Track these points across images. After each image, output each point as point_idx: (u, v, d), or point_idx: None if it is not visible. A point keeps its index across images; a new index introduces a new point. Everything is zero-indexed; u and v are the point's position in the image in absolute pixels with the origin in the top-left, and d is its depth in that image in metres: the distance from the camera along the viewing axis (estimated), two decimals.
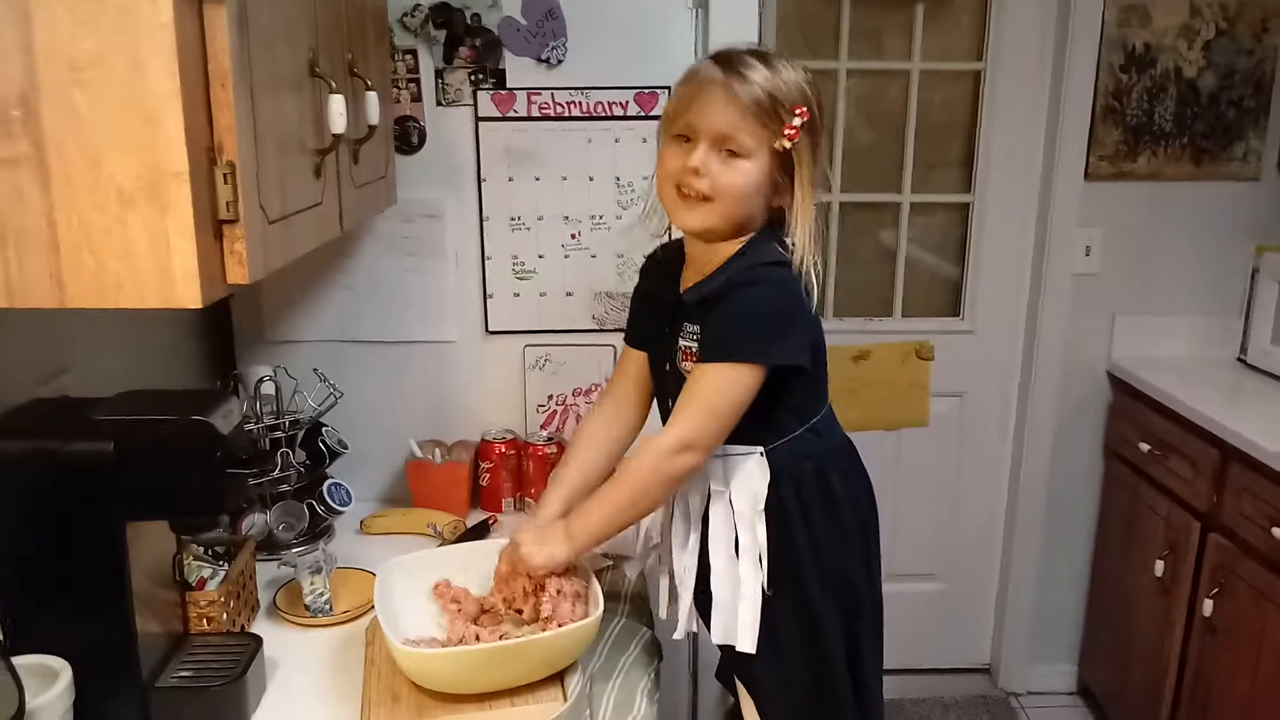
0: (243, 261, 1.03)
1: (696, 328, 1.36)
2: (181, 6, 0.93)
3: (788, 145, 1.29)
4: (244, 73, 1.02)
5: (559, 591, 1.37)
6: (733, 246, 1.36)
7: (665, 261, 1.49)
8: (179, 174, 0.95)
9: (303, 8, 1.21)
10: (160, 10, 0.91)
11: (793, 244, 1.33)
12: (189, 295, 0.98)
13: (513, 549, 1.40)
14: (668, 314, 1.42)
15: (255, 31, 1.05)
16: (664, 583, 1.54)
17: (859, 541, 1.46)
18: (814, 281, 1.34)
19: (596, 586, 1.38)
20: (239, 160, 1.01)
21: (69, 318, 1.43)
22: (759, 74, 1.28)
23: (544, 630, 1.34)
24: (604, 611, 1.41)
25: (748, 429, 1.35)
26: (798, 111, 1.29)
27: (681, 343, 1.38)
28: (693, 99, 1.31)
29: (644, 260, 1.58)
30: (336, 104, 1.24)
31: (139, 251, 0.96)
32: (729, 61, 1.31)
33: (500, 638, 1.35)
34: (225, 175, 1.00)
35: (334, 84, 1.25)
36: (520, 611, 1.40)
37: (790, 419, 1.41)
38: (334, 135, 1.26)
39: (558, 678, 1.35)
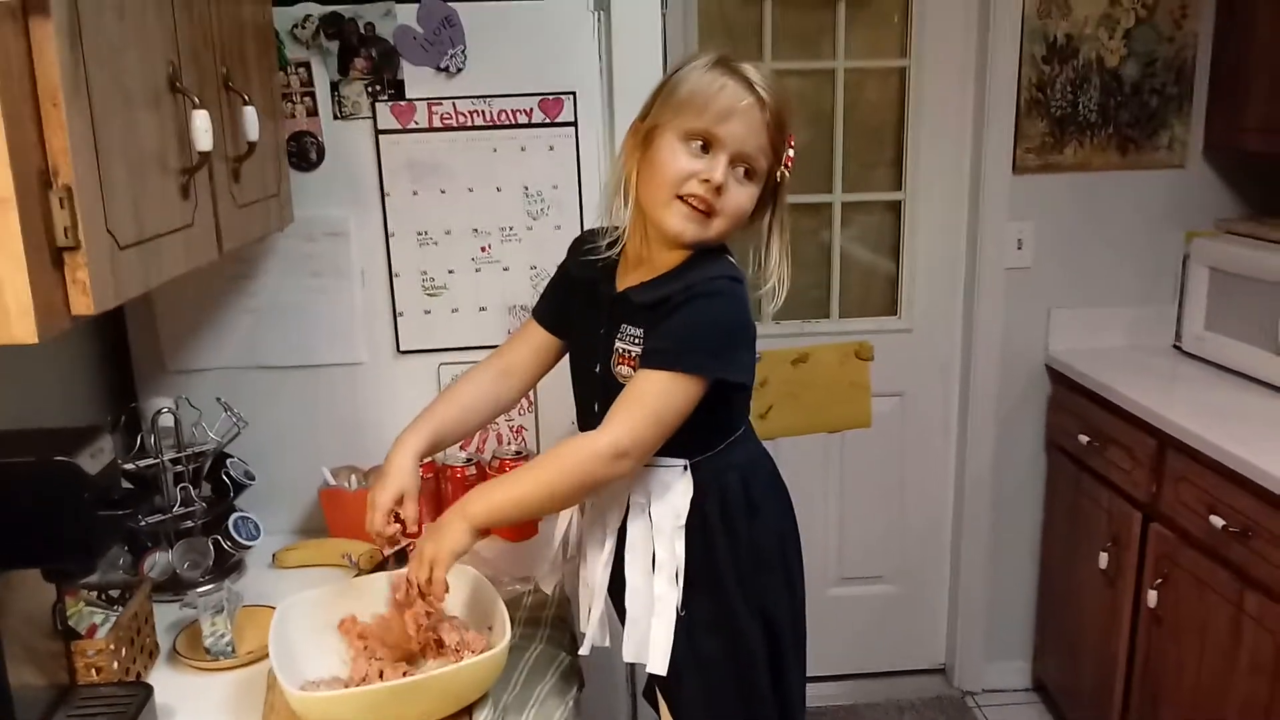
0: (87, 290, 0.96)
1: (639, 331, 1.31)
2: (0, 20, 0.86)
3: (787, 173, 1.31)
4: (79, 90, 0.95)
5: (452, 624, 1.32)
6: (687, 251, 1.32)
7: (598, 249, 1.39)
8: (4, 200, 0.87)
9: (157, 20, 1.15)
10: None
11: (761, 261, 1.35)
12: (24, 331, 0.91)
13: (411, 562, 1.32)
14: (603, 311, 1.36)
15: (93, 46, 0.98)
16: (583, 595, 1.48)
17: (778, 552, 1.42)
18: (780, 296, 1.36)
19: (504, 614, 1.32)
20: (77, 183, 0.94)
21: None
22: (777, 99, 1.29)
23: (451, 661, 1.28)
24: (520, 639, 1.36)
25: (674, 441, 1.30)
26: (791, 142, 1.31)
27: (619, 345, 1.33)
28: (724, 113, 1.25)
29: (576, 237, 1.52)
30: (201, 120, 1.17)
31: None
32: (758, 82, 1.28)
33: (405, 674, 1.28)
34: (61, 200, 0.93)
35: (198, 99, 1.18)
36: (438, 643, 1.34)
37: (716, 433, 1.37)
38: (200, 153, 1.19)
39: (466, 712, 1.29)
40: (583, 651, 1.46)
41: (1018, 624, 2.89)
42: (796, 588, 1.46)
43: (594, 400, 1.38)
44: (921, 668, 3.02)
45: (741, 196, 1.29)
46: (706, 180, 1.25)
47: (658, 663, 1.35)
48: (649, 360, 1.27)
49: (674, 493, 1.35)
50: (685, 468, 1.35)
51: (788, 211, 1.37)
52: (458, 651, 1.31)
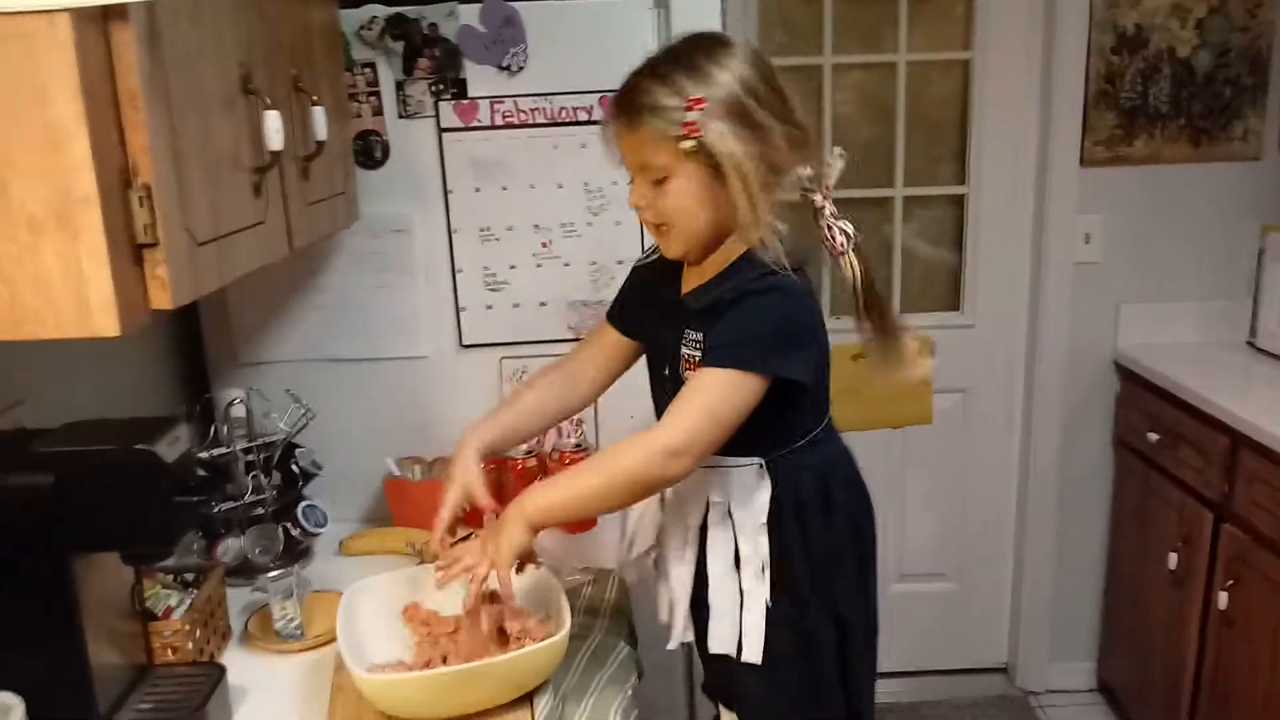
0: (166, 286, 1.01)
1: (699, 335, 1.31)
2: (84, 27, 0.91)
3: (689, 145, 1.20)
4: (158, 92, 0.99)
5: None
6: (736, 249, 1.30)
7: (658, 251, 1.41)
8: (88, 199, 0.92)
9: (231, 24, 1.19)
10: (59, 31, 0.89)
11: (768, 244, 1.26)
12: (106, 324, 0.95)
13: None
14: (669, 314, 1.36)
15: (171, 49, 1.02)
16: (663, 591, 1.49)
17: (853, 554, 1.41)
18: (776, 245, 1.26)
19: (565, 603, 1.34)
20: (156, 182, 0.98)
21: (30, 347, 1.41)
22: (640, 95, 1.23)
23: (513, 649, 1.31)
24: (580, 628, 1.38)
25: (748, 440, 1.30)
26: (689, 104, 1.19)
27: (684, 350, 1.34)
28: (611, 145, 1.30)
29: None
30: (273, 120, 1.21)
31: (52, 280, 0.94)
32: (619, 94, 1.28)
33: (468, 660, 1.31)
34: (141, 198, 0.98)
35: (269, 100, 1.22)
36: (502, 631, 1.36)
37: (792, 431, 1.36)
38: (272, 152, 1.23)
39: (527, 699, 1.31)
40: (670, 646, 1.47)
41: (1082, 624, 2.84)
42: (870, 591, 1.45)
43: (665, 403, 1.38)
44: (984, 667, 2.97)
45: (667, 199, 1.26)
46: (634, 207, 1.31)
47: (752, 652, 1.36)
48: (705, 359, 1.28)
49: (753, 493, 1.35)
50: (761, 466, 1.34)
51: (753, 181, 1.22)
52: (519, 639, 1.33)
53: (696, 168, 1.23)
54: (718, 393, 1.24)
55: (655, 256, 1.42)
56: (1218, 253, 2.59)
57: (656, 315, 1.40)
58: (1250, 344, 2.55)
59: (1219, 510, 2.19)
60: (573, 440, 1.91)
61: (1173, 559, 2.33)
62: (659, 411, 1.43)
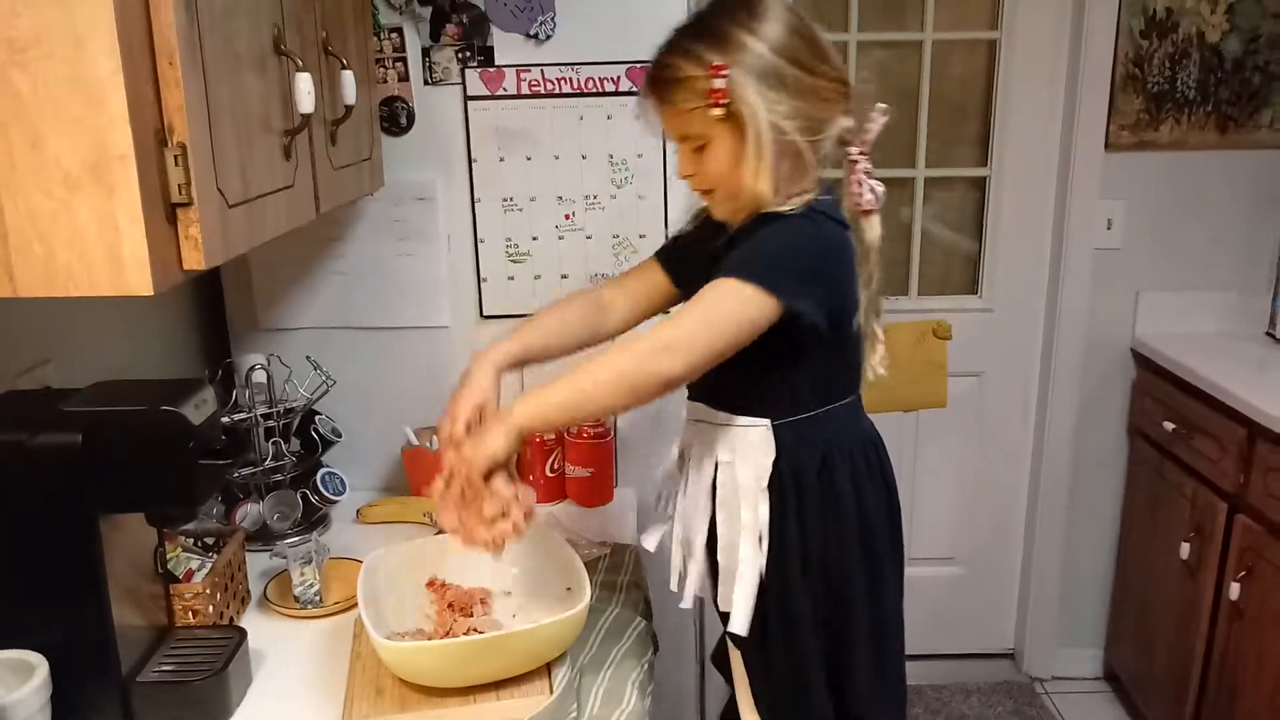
0: (198, 246, 1.00)
1: None
2: None
3: (719, 114, 1.21)
4: (194, 50, 0.98)
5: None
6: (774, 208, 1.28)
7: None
8: (124, 156, 0.91)
9: None
10: None
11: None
12: (140, 282, 0.95)
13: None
14: (709, 268, 1.29)
15: (207, 7, 1.01)
16: (676, 552, 1.46)
17: (858, 546, 1.36)
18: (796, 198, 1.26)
19: (584, 576, 1.34)
20: (191, 141, 0.98)
21: (55, 307, 1.41)
22: (666, 69, 1.25)
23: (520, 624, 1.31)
24: (597, 601, 1.38)
25: (759, 399, 1.29)
26: (712, 72, 1.19)
27: None
28: (651, 118, 1.32)
29: None
30: (303, 82, 1.20)
31: (87, 237, 0.93)
32: (649, 70, 1.28)
33: (486, 630, 1.32)
34: (176, 157, 0.97)
35: (300, 62, 1.21)
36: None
37: (805, 394, 1.32)
38: (302, 115, 1.22)
39: (545, 670, 1.32)
40: (684, 605, 1.43)
41: (1091, 611, 2.84)
42: (883, 597, 1.38)
43: None
44: (990, 652, 2.99)
45: (709, 163, 1.27)
46: (684, 176, 1.32)
47: (738, 623, 1.33)
48: (716, 273, 1.23)
49: (756, 450, 1.32)
50: (768, 427, 1.31)
51: (781, 124, 1.22)
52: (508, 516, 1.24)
53: (731, 130, 1.23)
54: (718, 300, 1.20)
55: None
56: (1240, 242, 2.57)
57: (701, 267, 1.34)
58: (1270, 335, 2.54)
59: (1233, 501, 2.19)
60: None
61: (1185, 549, 2.33)
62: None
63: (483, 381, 1.34)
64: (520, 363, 1.39)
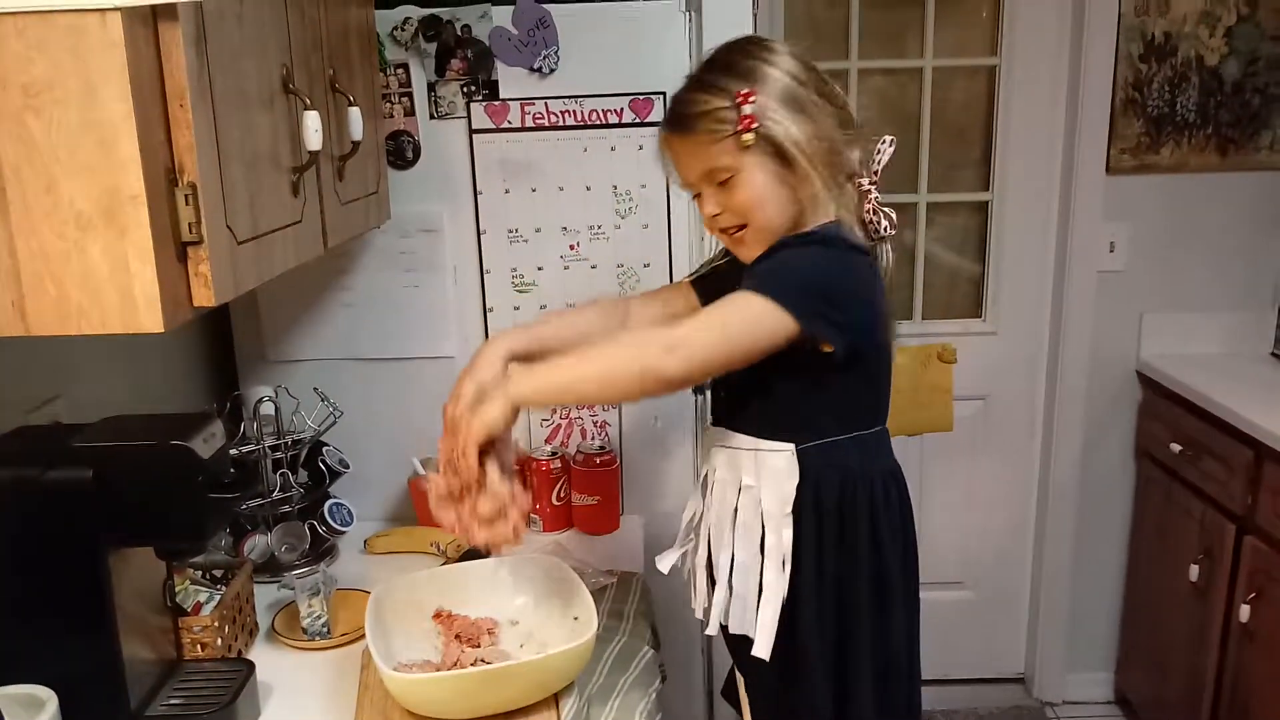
0: (208, 284, 1.01)
1: None
2: (133, 26, 0.91)
3: (749, 139, 1.22)
4: (204, 91, 1.00)
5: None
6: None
7: None
8: (135, 197, 0.93)
9: (273, 24, 1.20)
10: (110, 30, 0.90)
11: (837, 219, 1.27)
12: (151, 320, 0.96)
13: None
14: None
15: (217, 49, 1.03)
16: (701, 578, 1.44)
17: (867, 579, 1.34)
18: (882, 223, 1.28)
19: (591, 604, 1.35)
20: (201, 180, 0.99)
21: (65, 343, 1.42)
22: (688, 105, 1.26)
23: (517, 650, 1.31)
24: (604, 630, 1.38)
25: (783, 424, 1.30)
26: (741, 99, 1.21)
27: None
28: (668, 164, 1.33)
29: None
30: (311, 120, 1.22)
31: (99, 276, 0.95)
32: (668, 114, 1.31)
33: (494, 661, 1.32)
34: (187, 196, 0.99)
35: (309, 100, 1.23)
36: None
37: (828, 420, 1.32)
38: (310, 152, 1.24)
39: (552, 700, 1.31)
40: (709, 631, 1.41)
41: (1101, 635, 2.83)
42: (889, 639, 1.36)
43: (721, 385, 1.38)
44: (1000, 676, 2.97)
45: (739, 194, 1.26)
46: (709, 219, 1.31)
47: (761, 647, 1.32)
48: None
49: (782, 480, 1.31)
50: (792, 452, 1.31)
51: (817, 155, 1.24)
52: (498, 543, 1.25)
53: (761, 158, 1.24)
54: (731, 310, 1.21)
55: None
56: (1243, 263, 2.58)
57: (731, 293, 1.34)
58: (1275, 355, 2.54)
59: (1241, 522, 2.18)
60: (597, 443, 1.92)
61: (1194, 571, 2.32)
62: (715, 391, 1.42)
63: (490, 363, 1.32)
64: (530, 355, 1.36)
